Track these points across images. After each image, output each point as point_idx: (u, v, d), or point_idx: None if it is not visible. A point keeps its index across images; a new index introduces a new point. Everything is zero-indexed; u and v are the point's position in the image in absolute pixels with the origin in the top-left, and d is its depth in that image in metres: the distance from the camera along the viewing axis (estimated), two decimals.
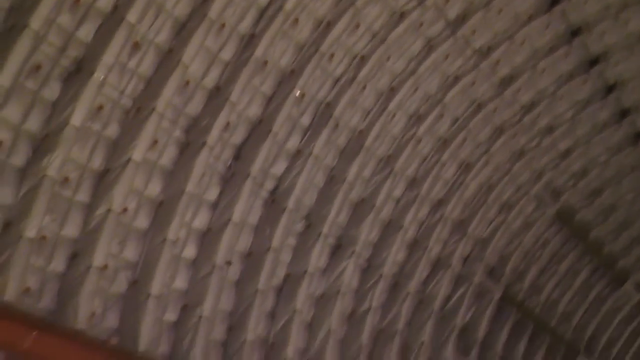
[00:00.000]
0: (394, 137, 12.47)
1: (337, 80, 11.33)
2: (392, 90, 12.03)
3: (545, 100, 14.19)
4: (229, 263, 10.46)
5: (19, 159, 8.00)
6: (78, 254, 8.53)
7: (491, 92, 13.34)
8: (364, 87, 11.66)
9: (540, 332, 16.33)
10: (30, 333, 7.15)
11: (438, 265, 13.89)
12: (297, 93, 10.81)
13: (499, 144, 13.99)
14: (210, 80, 9.85)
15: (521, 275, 15.73)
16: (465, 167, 13.79)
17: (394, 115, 12.25)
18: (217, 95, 9.96)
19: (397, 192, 12.87)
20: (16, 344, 7.16)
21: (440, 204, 13.64)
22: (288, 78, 10.68)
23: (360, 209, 12.36)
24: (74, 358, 7.71)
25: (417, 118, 12.62)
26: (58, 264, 8.38)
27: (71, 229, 8.53)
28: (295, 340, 11.21)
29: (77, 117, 8.35)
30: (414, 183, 13.06)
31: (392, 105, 12.09)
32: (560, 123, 14.77)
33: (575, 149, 15.32)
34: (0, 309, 7.21)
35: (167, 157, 9.63)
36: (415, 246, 13.42)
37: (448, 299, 14.19)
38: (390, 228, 12.91)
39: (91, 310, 8.49)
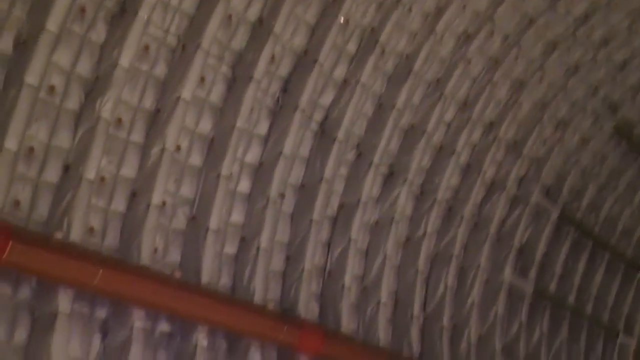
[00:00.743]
0: (442, 60, 12.17)
1: (381, 4, 11.03)
2: (439, 11, 11.64)
3: (600, 11, 13.55)
4: (282, 195, 10.56)
5: (72, 102, 8.11)
6: (137, 193, 8.73)
7: (543, 5, 12.78)
8: (410, 9, 11.34)
9: (600, 251, 16.16)
10: (98, 271, 7.43)
11: (493, 187, 13.74)
12: (341, 20, 10.60)
13: (553, 59, 13.50)
14: (252, 13, 9.71)
15: (579, 194, 15.47)
16: (519, 86, 13.41)
17: (442, 37, 11.90)
18: (261, 28, 9.84)
19: (448, 116, 12.64)
20: (85, 282, 7.47)
21: (493, 125, 13.36)
22: (331, 5, 10.45)
23: (411, 135, 12.23)
24: (141, 291, 8.01)
25: (466, 38, 12.22)
26: (118, 204, 8.60)
27: (128, 170, 8.70)
28: (351, 268, 11.38)
29: (125, 58, 8.38)
30: (465, 106, 12.80)
31: (439, 26, 11.72)
32: (616, 34, 14.15)
33: (632, 60, 14.72)
34: (68, 249, 7.49)
35: (216, 93, 9.64)
36: (469, 170, 13.27)
37: (504, 221, 14.10)
38: (442, 153, 12.77)
39: (154, 247, 8.75)
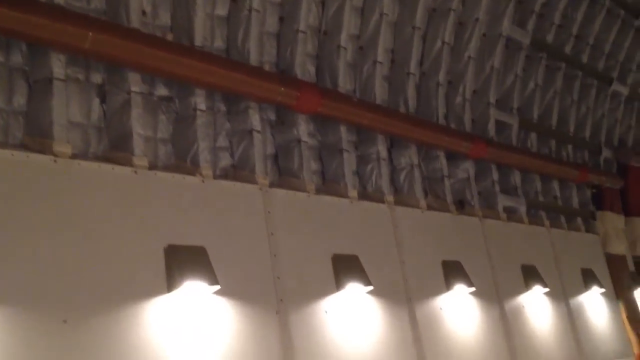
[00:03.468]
0: None
1: None
2: None
3: None
4: None
5: None
6: None
7: None
8: None
9: None
10: (87, 34, 7.19)
11: None
12: None
13: None
14: None
15: None
16: None
17: None
18: None
19: None
20: (75, 45, 7.27)
21: None
22: None
23: None
24: (134, 54, 7.79)
25: None
26: None
27: None
28: (347, 27, 11.08)
29: None
30: None
31: None
32: None
33: None
34: (54, 12, 7.19)
35: None
36: None
37: None
38: None
39: (141, 9, 8.43)
